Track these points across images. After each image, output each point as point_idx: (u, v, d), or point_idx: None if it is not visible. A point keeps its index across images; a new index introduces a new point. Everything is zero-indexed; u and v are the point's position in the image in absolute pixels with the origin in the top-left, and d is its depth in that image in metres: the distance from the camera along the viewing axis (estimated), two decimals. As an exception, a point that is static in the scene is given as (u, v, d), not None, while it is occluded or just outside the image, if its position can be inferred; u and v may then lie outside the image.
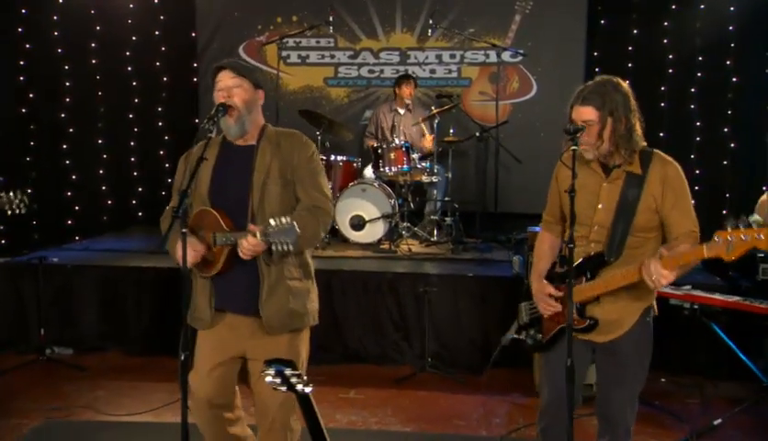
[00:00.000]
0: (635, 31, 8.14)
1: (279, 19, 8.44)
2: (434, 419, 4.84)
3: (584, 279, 3.01)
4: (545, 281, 3.15)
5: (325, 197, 3.21)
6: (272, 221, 2.81)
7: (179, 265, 2.84)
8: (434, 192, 7.37)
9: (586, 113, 2.92)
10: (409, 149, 6.79)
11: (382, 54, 8.43)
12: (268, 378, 2.28)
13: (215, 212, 3.06)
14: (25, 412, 4.83)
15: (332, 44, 8.46)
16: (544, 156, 7.07)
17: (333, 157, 7.11)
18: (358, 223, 6.79)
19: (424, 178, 6.97)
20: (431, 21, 7.83)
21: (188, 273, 3.07)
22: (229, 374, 3.26)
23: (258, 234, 2.87)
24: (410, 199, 7.10)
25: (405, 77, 7.64)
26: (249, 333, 3.16)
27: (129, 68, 8.56)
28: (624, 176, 2.99)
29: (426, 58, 8.37)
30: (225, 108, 3.11)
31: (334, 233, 6.98)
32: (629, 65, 8.16)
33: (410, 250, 6.64)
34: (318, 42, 8.46)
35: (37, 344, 5.83)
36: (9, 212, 3.97)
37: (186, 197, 2.84)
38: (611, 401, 3.15)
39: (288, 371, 2.25)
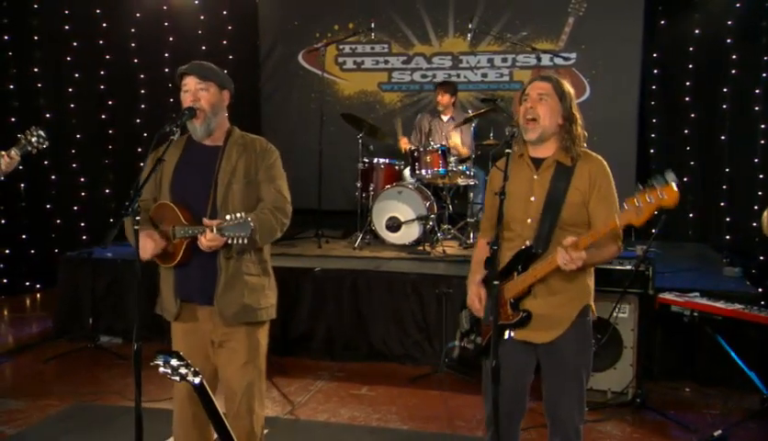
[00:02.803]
0: (696, 31, 7.87)
1: (337, 27, 8.66)
2: (435, 418, 4.90)
3: (516, 274, 3.06)
4: (479, 286, 3.19)
5: (285, 199, 3.39)
6: (228, 217, 3.02)
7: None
8: (471, 195, 7.38)
9: (544, 87, 3.08)
10: (445, 152, 6.84)
11: (435, 59, 8.52)
12: (160, 370, 2.43)
13: (174, 206, 3.27)
14: (60, 395, 5.24)
15: (386, 50, 8.63)
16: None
17: (375, 160, 7.27)
18: (394, 225, 6.90)
19: (461, 181, 7.00)
20: (470, 26, 7.85)
21: (141, 266, 3.31)
22: (207, 369, 3.37)
23: (214, 229, 3.08)
24: (448, 202, 7.16)
25: (439, 84, 7.70)
26: (211, 322, 3.35)
27: (199, 76, 8.98)
28: (554, 167, 3.06)
29: (478, 62, 8.39)
30: (192, 112, 3.35)
31: (375, 236, 7.12)
32: (690, 66, 7.93)
33: (444, 252, 6.69)
34: (372, 48, 8.64)
35: (88, 332, 6.31)
36: (34, 151, 4.30)
37: (139, 195, 3.10)
38: (558, 402, 3.17)
39: (174, 361, 2.40)
